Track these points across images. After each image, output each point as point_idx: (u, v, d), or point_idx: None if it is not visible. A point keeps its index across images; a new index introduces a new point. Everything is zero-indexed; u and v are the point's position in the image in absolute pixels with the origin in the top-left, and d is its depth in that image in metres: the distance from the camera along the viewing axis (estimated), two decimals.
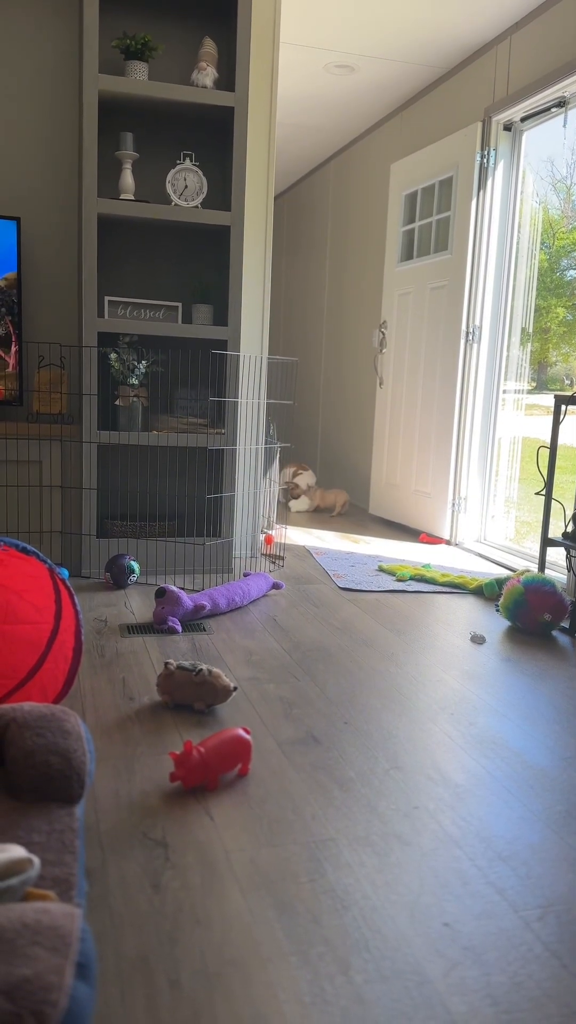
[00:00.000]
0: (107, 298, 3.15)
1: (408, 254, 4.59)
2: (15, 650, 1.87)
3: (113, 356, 3.14)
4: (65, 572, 2.96)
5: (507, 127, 3.85)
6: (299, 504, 5.11)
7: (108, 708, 1.96)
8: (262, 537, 3.95)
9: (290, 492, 5.15)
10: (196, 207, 3.12)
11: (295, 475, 5.23)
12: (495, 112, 3.79)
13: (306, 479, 5.19)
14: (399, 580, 3.35)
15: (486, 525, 4.18)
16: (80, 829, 1.28)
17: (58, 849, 1.20)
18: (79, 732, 1.41)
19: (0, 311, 3.06)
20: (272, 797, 1.57)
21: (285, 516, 4.94)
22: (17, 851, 1.08)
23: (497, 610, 2.96)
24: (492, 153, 3.86)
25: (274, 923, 1.20)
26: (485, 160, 3.88)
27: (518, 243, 3.95)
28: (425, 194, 4.39)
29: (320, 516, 4.98)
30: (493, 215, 3.91)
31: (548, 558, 3.74)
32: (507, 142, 3.87)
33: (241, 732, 1.65)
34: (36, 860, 1.08)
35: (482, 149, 3.89)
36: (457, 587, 3.27)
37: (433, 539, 4.24)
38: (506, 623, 2.84)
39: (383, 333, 4.82)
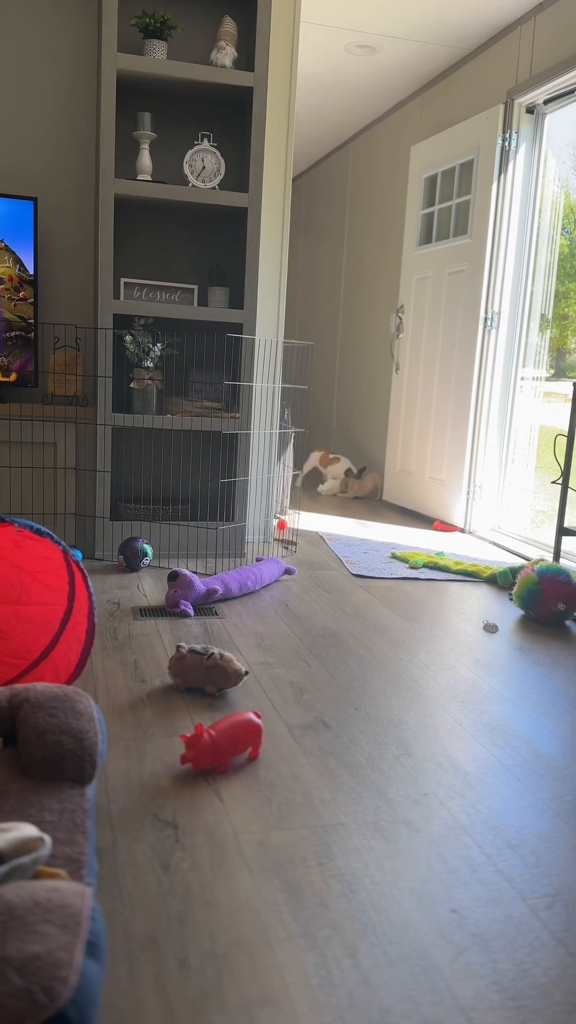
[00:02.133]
0: (123, 280, 3.14)
1: (427, 238, 4.54)
2: (29, 630, 1.89)
3: (128, 338, 3.13)
4: (79, 554, 2.97)
5: (529, 110, 3.80)
6: (330, 487, 5.08)
7: (120, 690, 1.97)
8: (275, 522, 3.94)
9: (327, 477, 5.10)
10: (213, 188, 3.10)
11: (323, 462, 5.18)
12: (518, 94, 3.74)
13: (341, 468, 5.12)
14: (412, 567, 3.34)
15: (501, 513, 4.16)
16: (91, 809, 1.29)
17: (69, 828, 1.21)
18: (91, 713, 1.42)
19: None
20: (282, 781, 1.58)
21: (299, 501, 4.93)
22: (29, 830, 1.09)
23: (510, 599, 2.95)
24: (514, 136, 3.81)
25: (282, 906, 1.21)
26: (507, 143, 3.83)
27: (539, 228, 3.90)
28: (445, 177, 4.34)
29: (333, 501, 4.97)
30: (514, 199, 3.87)
31: (563, 547, 3.72)
32: (529, 125, 3.82)
33: (252, 716, 1.65)
34: (48, 839, 1.09)
35: (504, 132, 3.83)
36: (470, 575, 3.26)
37: (447, 527, 4.23)
38: (519, 612, 2.83)
39: (400, 318, 4.79)
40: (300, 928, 1.16)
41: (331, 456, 5.21)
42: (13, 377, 3.10)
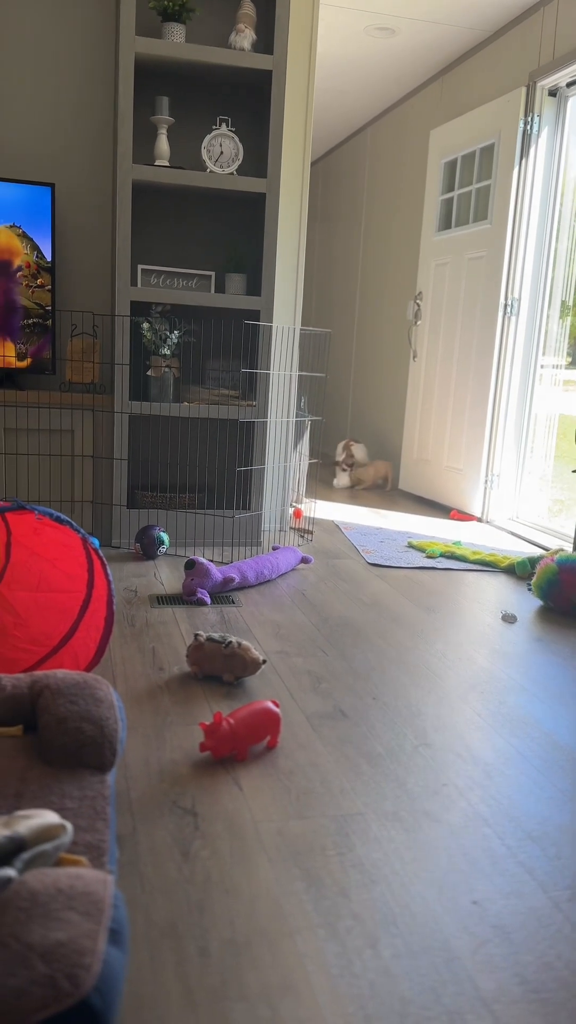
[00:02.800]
0: (140, 266, 3.13)
1: (446, 223, 4.50)
2: (48, 617, 1.89)
3: (145, 326, 3.12)
4: (96, 542, 2.97)
5: (552, 93, 3.74)
6: (343, 480, 5.03)
7: (138, 677, 1.97)
8: (291, 511, 3.93)
9: (344, 464, 5.05)
10: (231, 174, 3.08)
11: (346, 448, 5.12)
12: (540, 77, 3.68)
13: (359, 452, 5.08)
14: (429, 557, 3.33)
15: (519, 502, 4.13)
16: (111, 796, 1.29)
17: (90, 815, 1.21)
18: (111, 700, 1.42)
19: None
20: (300, 770, 1.58)
21: (315, 490, 4.92)
22: (50, 817, 1.09)
23: (529, 589, 2.93)
24: (536, 120, 3.76)
25: (302, 895, 1.21)
26: (528, 127, 3.78)
27: (560, 213, 3.85)
28: (465, 162, 4.29)
29: (350, 491, 4.95)
30: (535, 184, 3.81)
31: None
32: (552, 108, 3.76)
33: (270, 705, 1.65)
34: (69, 826, 1.09)
35: (525, 115, 3.78)
36: (488, 565, 3.24)
37: (464, 516, 4.20)
38: (538, 602, 2.81)
39: (418, 304, 4.75)
40: (320, 917, 1.16)
41: (353, 441, 5.14)
42: (28, 362, 3.09)
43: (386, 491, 4.98)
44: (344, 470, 5.03)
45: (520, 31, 3.86)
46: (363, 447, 5.12)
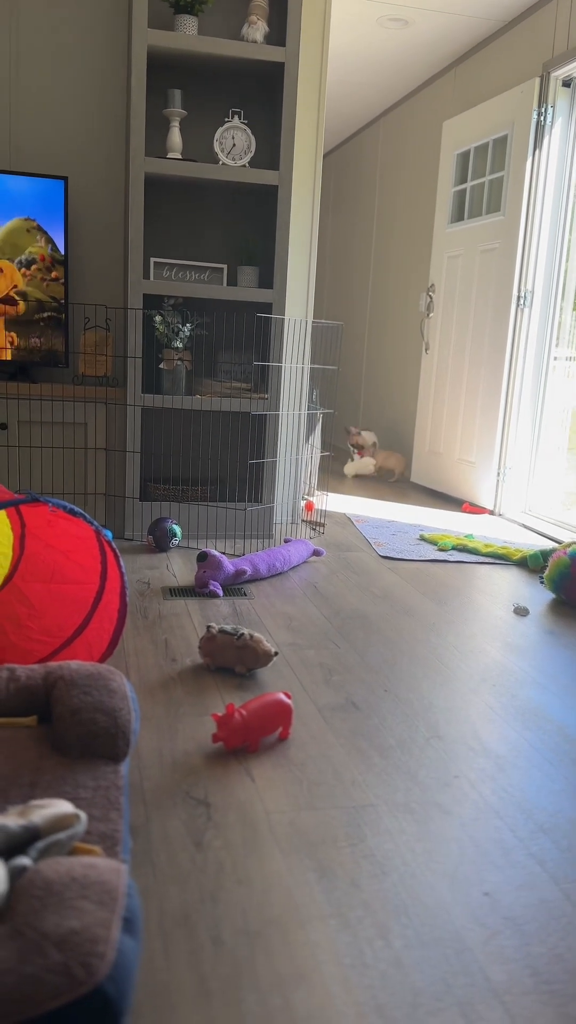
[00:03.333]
0: (153, 259, 3.13)
1: (459, 215, 4.47)
2: (62, 609, 1.90)
3: (158, 319, 3.13)
4: (109, 534, 2.98)
5: (566, 83, 3.71)
6: (354, 468, 5.03)
7: (151, 669, 1.98)
8: (303, 503, 3.94)
9: (353, 444, 5.04)
10: (244, 166, 3.07)
11: (355, 436, 5.13)
12: (554, 67, 3.65)
13: (369, 438, 5.09)
14: (441, 549, 3.32)
15: (532, 495, 4.11)
16: (125, 786, 1.30)
17: (104, 805, 1.22)
18: (124, 691, 1.43)
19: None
20: (312, 761, 1.58)
21: (327, 483, 4.92)
22: (64, 806, 1.10)
23: (541, 582, 2.92)
24: (550, 110, 3.73)
25: (314, 885, 1.21)
26: (542, 118, 3.75)
27: (574, 204, 3.82)
28: (478, 153, 4.26)
29: (362, 483, 4.95)
30: (549, 175, 3.79)
31: None
32: (566, 99, 3.73)
33: (282, 696, 1.65)
34: (83, 815, 1.10)
35: (539, 106, 3.75)
36: (500, 558, 3.23)
37: (476, 509, 4.19)
38: (550, 595, 2.80)
39: (431, 297, 4.73)
40: (332, 908, 1.17)
41: (362, 429, 5.14)
42: (40, 348, 3.10)
43: (390, 482, 4.98)
44: (358, 447, 5.03)
45: (534, 21, 3.82)
46: (372, 433, 5.13)
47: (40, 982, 0.82)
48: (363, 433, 5.09)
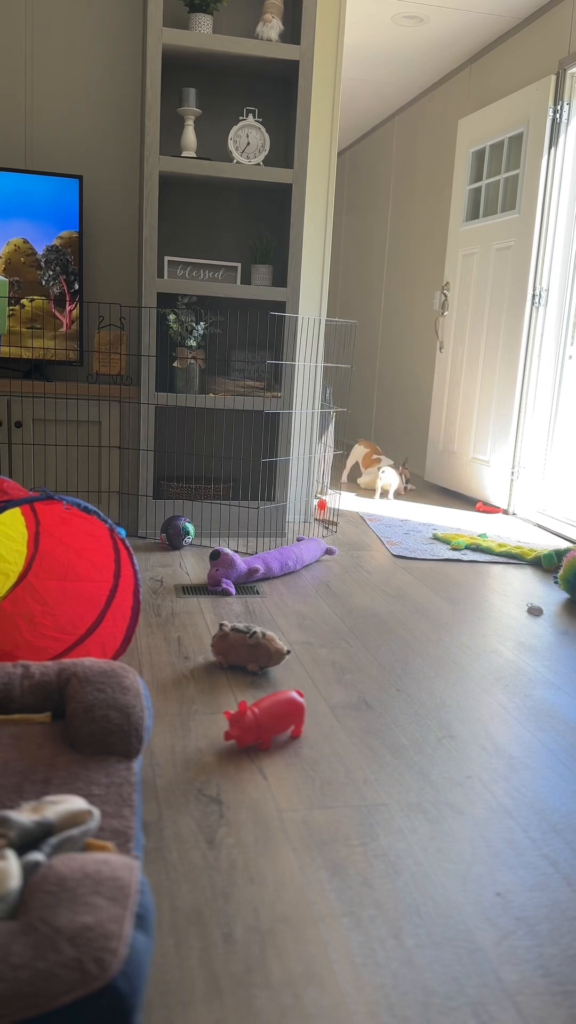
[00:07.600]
0: (167, 258, 3.14)
1: (474, 213, 4.45)
2: (76, 606, 1.91)
3: (172, 317, 3.13)
4: (123, 532, 2.99)
5: None
6: (369, 481, 4.63)
7: (164, 666, 1.99)
8: (316, 502, 3.93)
9: (367, 474, 4.63)
10: (258, 165, 3.07)
11: (366, 462, 4.75)
12: (570, 64, 3.63)
13: (388, 475, 4.46)
14: (454, 549, 3.31)
15: (546, 495, 4.09)
16: (138, 783, 1.31)
17: (116, 802, 1.23)
18: (138, 688, 1.43)
19: (55, 270, 3.08)
20: (324, 760, 1.58)
21: (340, 482, 4.91)
22: (78, 802, 1.10)
23: (556, 582, 2.91)
24: (566, 107, 3.70)
25: (326, 884, 1.21)
26: (558, 115, 3.73)
27: None
28: (493, 151, 4.24)
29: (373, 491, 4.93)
30: (565, 173, 3.76)
31: None
32: None
33: (294, 695, 1.65)
34: (96, 812, 1.11)
35: (555, 103, 3.73)
36: (514, 557, 3.22)
37: (490, 508, 4.18)
38: (564, 595, 2.79)
39: (445, 295, 4.71)
40: (344, 907, 1.17)
41: (375, 457, 4.67)
42: (54, 355, 3.12)
43: (407, 490, 4.68)
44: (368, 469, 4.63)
45: (550, 18, 3.80)
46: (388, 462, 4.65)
47: (53, 977, 0.82)
48: (379, 460, 4.72)
